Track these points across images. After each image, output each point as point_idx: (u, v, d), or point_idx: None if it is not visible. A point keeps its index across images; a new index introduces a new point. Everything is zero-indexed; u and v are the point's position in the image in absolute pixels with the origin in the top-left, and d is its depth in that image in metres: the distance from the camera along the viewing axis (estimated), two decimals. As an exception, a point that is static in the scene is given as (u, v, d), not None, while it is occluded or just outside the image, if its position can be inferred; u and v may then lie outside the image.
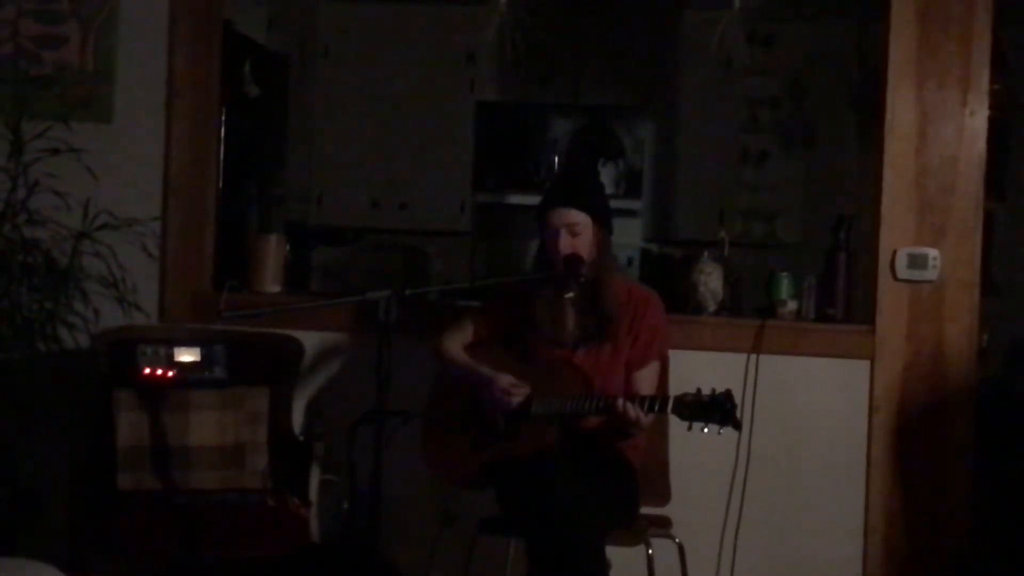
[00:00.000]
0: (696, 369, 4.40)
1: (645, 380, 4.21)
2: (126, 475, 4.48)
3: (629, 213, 7.80)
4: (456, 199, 7.81)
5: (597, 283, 4.20)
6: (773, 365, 4.78)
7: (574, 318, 4.24)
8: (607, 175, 7.93)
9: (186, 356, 4.61)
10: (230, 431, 4.57)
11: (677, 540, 4.37)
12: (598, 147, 8.09)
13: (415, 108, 7.73)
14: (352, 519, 4.58)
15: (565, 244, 4.15)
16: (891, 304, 4.74)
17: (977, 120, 4.71)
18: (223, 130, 5.54)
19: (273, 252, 5.21)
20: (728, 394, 3.78)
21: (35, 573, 3.50)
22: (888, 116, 4.74)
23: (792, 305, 4.92)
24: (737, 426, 3.81)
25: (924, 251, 4.70)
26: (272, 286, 5.17)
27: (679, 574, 4.36)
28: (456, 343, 4.37)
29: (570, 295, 4.20)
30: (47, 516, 4.76)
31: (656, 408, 3.90)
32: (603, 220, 4.25)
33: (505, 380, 4.12)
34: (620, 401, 3.91)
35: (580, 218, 4.17)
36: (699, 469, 4.70)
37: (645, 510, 4.35)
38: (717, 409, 3.77)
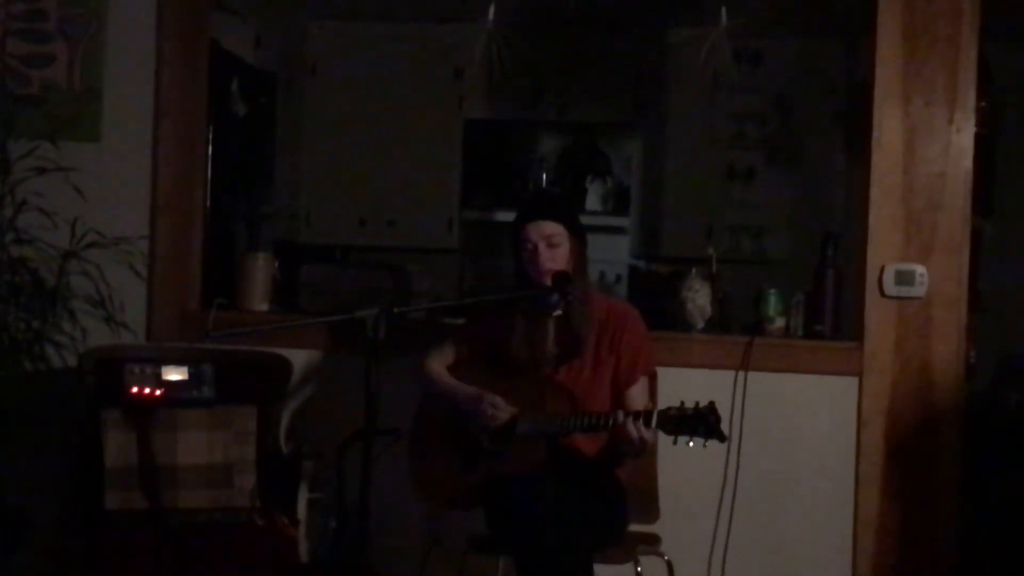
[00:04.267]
0: (684, 386, 4.39)
1: (637, 397, 4.20)
2: (114, 494, 4.46)
3: (617, 230, 7.83)
4: (444, 217, 7.82)
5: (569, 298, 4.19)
6: (762, 382, 4.78)
7: (554, 337, 4.23)
8: (595, 192, 7.95)
9: (174, 375, 4.60)
10: (218, 450, 4.56)
11: (666, 557, 4.37)
12: (586, 164, 8.12)
13: (403, 126, 7.74)
14: (340, 538, 4.57)
15: (546, 257, 4.13)
16: (879, 320, 4.75)
17: (964, 137, 4.72)
18: (210, 149, 5.55)
19: (261, 270, 5.21)
20: (711, 407, 3.78)
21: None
22: (875, 133, 4.75)
23: (780, 322, 4.93)
24: (722, 438, 3.80)
25: (911, 267, 4.71)
26: (260, 304, 5.17)
27: (668, 592, 4.37)
28: (439, 364, 4.37)
29: (558, 313, 4.20)
30: (34, 535, 4.74)
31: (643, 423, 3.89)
32: (579, 233, 4.24)
33: (489, 399, 4.12)
34: (619, 414, 3.89)
35: (557, 229, 4.16)
36: (688, 486, 4.70)
37: (634, 527, 4.35)
38: (701, 422, 3.76)
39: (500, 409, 4.09)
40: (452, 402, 4.23)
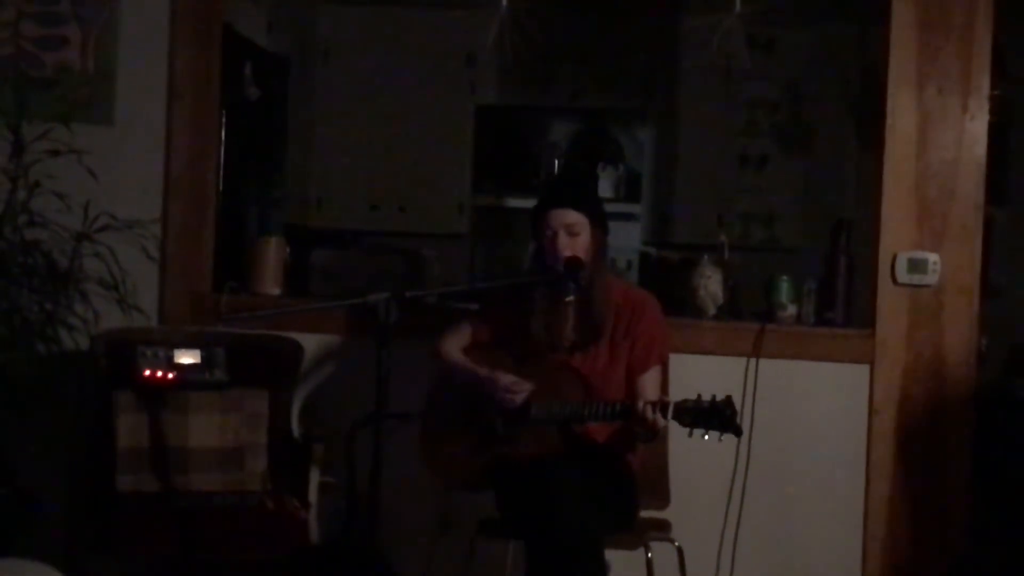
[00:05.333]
0: (696, 373, 4.41)
1: (650, 384, 4.19)
2: (125, 477, 4.48)
3: (628, 217, 7.81)
4: (455, 202, 7.82)
5: (589, 286, 4.19)
6: (773, 369, 4.78)
7: (571, 322, 4.23)
8: (606, 179, 7.94)
9: (186, 358, 4.60)
10: (230, 433, 4.57)
11: (676, 543, 4.37)
12: (597, 150, 8.10)
13: (415, 111, 7.73)
14: (351, 521, 4.58)
15: (564, 245, 4.13)
16: (891, 308, 4.74)
17: (977, 125, 4.71)
18: (223, 132, 5.54)
19: (273, 254, 5.22)
20: (728, 400, 3.78)
21: (34, 573, 3.51)
22: (888, 120, 4.74)
23: (792, 309, 4.92)
24: (738, 432, 3.81)
25: (924, 255, 4.70)
26: (272, 288, 5.17)
27: (678, 577, 4.38)
28: (454, 346, 4.36)
29: (570, 298, 4.20)
30: (45, 517, 4.75)
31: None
32: (600, 222, 4.24)
33: (506, 379, 4.11)
34: (641, 404, 3.89)
35: (578, 219, 4.16)
36: (698, 472, 4.70)
37: (644, 513, 4.36)
38: (717, 416, 3.76)
39: (516, 390, 4.09)
40: (467, 383, 4.23)
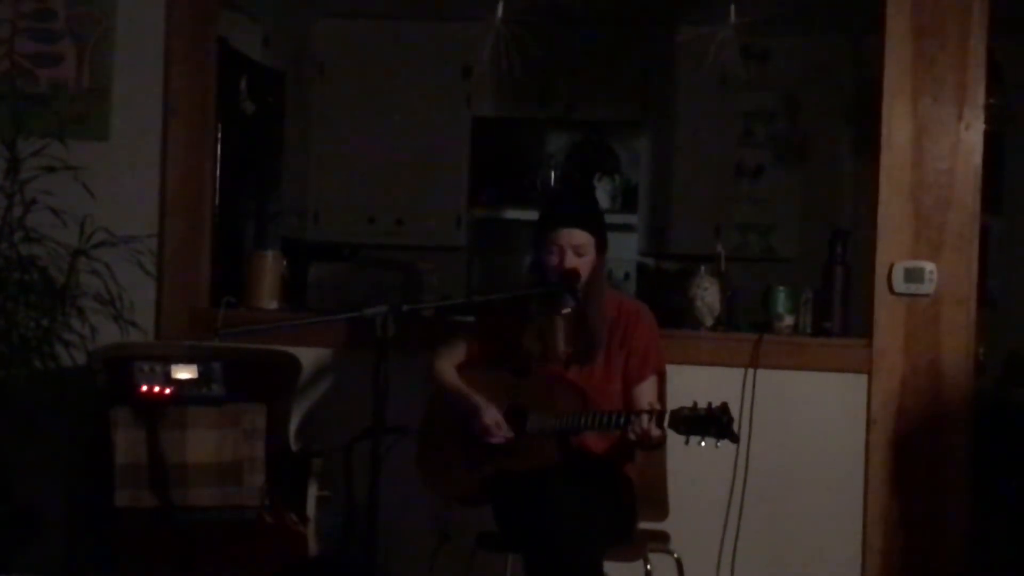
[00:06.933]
0: (693, 384, 4.39)
1: (646, 394, 4.18)
2: (124, 492, 4.47)
3: (625, 228, 7.82)
4: (452, 214, 7.83)
5: (585, 299, 4.19)
6: (770, 379, 4.78)
7: (566, 336, 4.23)
8: (603, 190, 7.95)
9: (183, 373, 4.60)
10: (227, 448, 4.57)
11: (675, 555, 4.37)
12: (594, 162, 8.11)
13: (411, 124, 7.75)
14: (349, 535, 4.57)
15: (570, 264, 4.10)
16: (888, 318, 4.74)
17: (973, 134, 4.71)
18: (219, 147, 5.55)
19: (270, 269, 5.21)
20: (724, 407, 3.77)
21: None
22: (884, 130, 4.74)
23: (789, 319, 4.92)
24: (734, 439, 3.80)
25: (921, 265, 4.70)
26: (269, 303, 5.17)
27: (678, 589, 4.37)
28: (449, 363, 4.34)
29: (567, 311, 4.20)
30: (44, 533, 4.75)
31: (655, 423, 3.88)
32: (604, 241, 4.24)
33: (490, 417, 4.10)
34: (644, 417, 3.89)
35: (587, 239, 4.14)
36: (697, 484, 4.69)
37: (643, 525, 4.35)
38: (713, 423, 3.75)
39: (496, 433, 4.09)
40: (456, 408, 4.23)
